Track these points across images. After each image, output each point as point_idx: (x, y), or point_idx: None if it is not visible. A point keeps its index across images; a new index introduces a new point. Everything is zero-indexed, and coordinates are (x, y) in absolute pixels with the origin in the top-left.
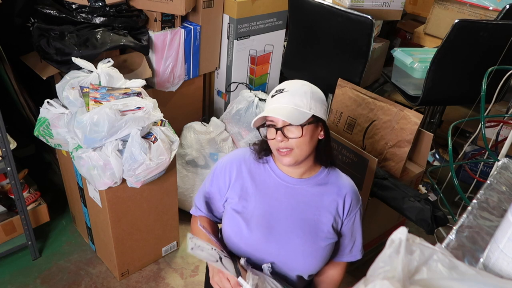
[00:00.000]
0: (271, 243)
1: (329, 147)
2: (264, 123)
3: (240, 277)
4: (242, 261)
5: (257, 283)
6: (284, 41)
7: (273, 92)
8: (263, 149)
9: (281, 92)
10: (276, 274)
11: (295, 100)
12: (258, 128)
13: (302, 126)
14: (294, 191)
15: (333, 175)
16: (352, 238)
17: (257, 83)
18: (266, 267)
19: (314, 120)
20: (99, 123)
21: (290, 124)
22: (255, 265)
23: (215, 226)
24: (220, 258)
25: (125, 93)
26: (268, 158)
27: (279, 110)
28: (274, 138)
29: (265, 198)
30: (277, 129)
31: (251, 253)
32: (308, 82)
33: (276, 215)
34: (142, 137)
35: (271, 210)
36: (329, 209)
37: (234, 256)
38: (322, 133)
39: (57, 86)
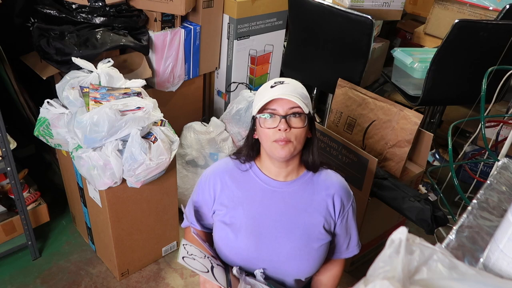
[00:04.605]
0: (262, 251)
1: (315, 148)
2: (262, 112)
3: (231, 287)
4: (235, 270)
5: None
6: (284, 41)
7: (271, 83)
8: (251, 148)
9: (282, 83)
10: (271, 279)
11: (298, 92)
12: (254, 118)
13: (305, 115)
14: (281, 195)
15: (319, 175)
16: (348, 236)
17: (257, 83)
18: (258, 272)
19: (309, 116)
20: (99, 123)
21: (293, 114)
22: (249, 273)
23: (207, 237)
24: (212, 268)
25: (125, 93)
26: (251, 164)
27: (289, 95)
28: (275, 127)
29: (253, 206)
30: (281, 117)
31: (244, 262)
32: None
33: (265, 222)
34: (142, 137)
35: (260, 218)
36: (319, 210)
37: (227, 265)
38: (310, 132)
39: (57, 86)
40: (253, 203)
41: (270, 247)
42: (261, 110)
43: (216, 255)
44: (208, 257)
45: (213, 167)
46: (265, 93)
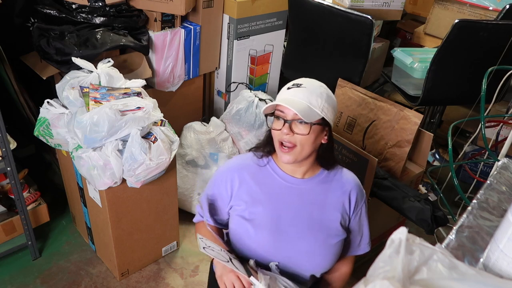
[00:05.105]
0: (281, 247)
1: (331, 152)
2: (273, 112)
3: (252, 276)
4: (252, 262)
5: (269, 283)
6: (284, 41)
7: (289, 84)
8: (268, 143)
9: (299, 86)
10: (285, 273)
11: (310, 98)
12: (266, 116)
13: (311, 124)
14: (299, 192)
15: (335, 173)
16: (360, 232)
17: (257, 83)
18: (273, 265)
19: (322, 123)
20: (99, 123)
21: (299, 120)
22: (264, 267)
23: (219, 232)
24: (230, 259)
25: (125, 93)
26: (269, 159)
27: (293, 103)
28: (280, 130)
29: (272, 201)
30: (285, 121)
31: (260, 257)
32: (325, 85)
33: (284, 218)
34: (142, 137)
35: (279, 213)
36: (336, 207)
37: (242, 259)
38: (326, 137)
39: (57, 86)
40: (272, 199)
41: (289, 243)
42: (273, 109)
43: (230, 250)
44: (223, 250)
45: (230, 163)
46: (279, 95)
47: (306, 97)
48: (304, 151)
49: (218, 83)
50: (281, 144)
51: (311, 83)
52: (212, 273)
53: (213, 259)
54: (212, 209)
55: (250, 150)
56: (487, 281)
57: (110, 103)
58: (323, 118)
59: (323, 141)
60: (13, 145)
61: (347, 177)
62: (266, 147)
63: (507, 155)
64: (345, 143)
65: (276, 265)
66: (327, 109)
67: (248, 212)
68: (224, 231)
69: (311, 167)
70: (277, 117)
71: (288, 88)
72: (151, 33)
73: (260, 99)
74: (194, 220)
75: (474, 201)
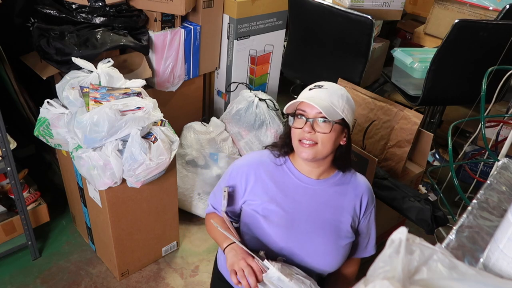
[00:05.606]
0: (292, 244)
1: (348, 154)
2: (295, 112)
3: (266, 260)
4: (262, 253)
5: (281, 269)
6: (284, 41)
7: (311, 86)
8: (285, 144)
9: (320, 87)
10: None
11: (332, 98)
12: (288, 115)
13: (333, 123)
14: (313, 192)
15: (349, 176)
16: (367, 235)
17: (257, 83)
18: (281, 260)
19: (342, 123)
20: (99, 123)
21: (321, 119)
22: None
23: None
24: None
25: (125, 93)
26: (285, 159)
27: (317, 101)
28: (301, 128)
29: (286, 199)
30: (307, 119)
31: (270, 251)
32: (344, 88)
33: (297, 217)
34: (142, 137)
35: (292, 212)
36: (348, 209)
37: (252, 250)
38: (344, 139)
39: (57, 86)
40: (287, 198)
41: (300, 241)
42: (294, 110)
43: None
44: (235, 239)
45: (247, 158)
46: (301, 95)
47: (328, 97)
48: (325, 149)
49: (218, 83)
50: (301, 141)
51: (332, 85)
52: (215, 273)
53: (215, 258)
54: (230, 196)
55: (266, 147)
56: (487, 281)
57: (110, 103)
58: (343, 119)
59: (341, 143)
60: (13, 145)
61: (359, 181)
62: (283, 147)
63: (507, 155)
64: None
65: (283, 260)
66: (347, 110)
67: (262, 208)
68: (235, 224)
69: (327, 168)
70: (298, 116)
71: (310, 89)
72: (151, 33)
73: (260, 99)
74: (206, 211)
75: (474, 201)
